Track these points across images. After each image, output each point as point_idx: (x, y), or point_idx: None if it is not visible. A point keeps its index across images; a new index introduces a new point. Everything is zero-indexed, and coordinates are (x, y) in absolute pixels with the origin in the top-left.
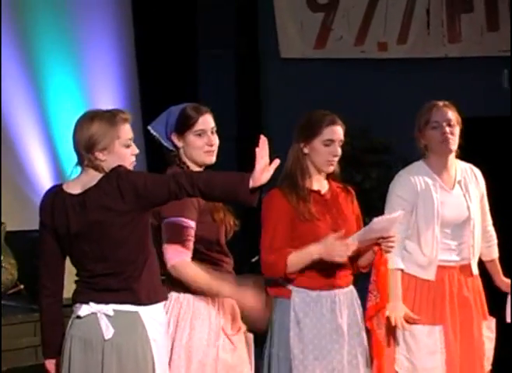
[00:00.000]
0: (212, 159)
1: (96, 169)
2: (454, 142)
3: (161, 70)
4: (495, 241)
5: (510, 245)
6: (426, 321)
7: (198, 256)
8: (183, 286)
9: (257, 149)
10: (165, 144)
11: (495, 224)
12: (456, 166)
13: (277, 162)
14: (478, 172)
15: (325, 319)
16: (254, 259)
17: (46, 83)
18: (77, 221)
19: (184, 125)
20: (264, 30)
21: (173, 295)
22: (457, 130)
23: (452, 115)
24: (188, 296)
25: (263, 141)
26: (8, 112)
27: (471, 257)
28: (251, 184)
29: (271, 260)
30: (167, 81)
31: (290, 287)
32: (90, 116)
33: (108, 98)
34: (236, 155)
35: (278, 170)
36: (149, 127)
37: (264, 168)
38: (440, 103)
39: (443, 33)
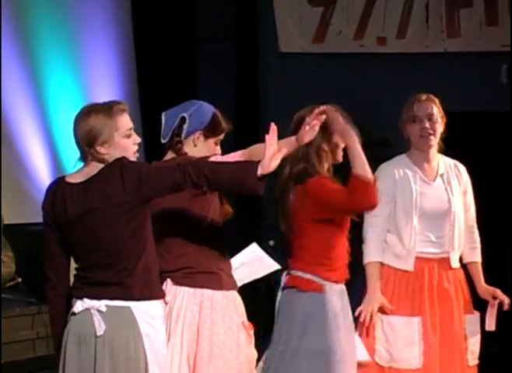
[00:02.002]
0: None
1: (101, 162)
2: (434, 138)
3: (160, 64)
4: (479, 244)
5: (496, 249)
6: (404, 312)
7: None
8: (198, 281)
9: (266, 136)
10: (183, 133)
11: (484, 222)
12: (439, 160)
13: (284, 151)
14: (463, 168)
15: (349, 312)
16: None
17: (45, 79)
18: (75, 208)
19: (215, 131)
20: (263, 24)
21: (185, 289)
22: (438, 125)
23: (434, 110)
24: (206, 291)
25: (273, 128)
26: (8, 107)
27: (451, 250)
28: (260, 171)
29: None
30: (166, 75)
31: (322, 281)
32: (87, 111)
33: (107, 93)
34: (234, 148)
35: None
36: (185, 115)
37: (273, 155)
38: (423, 97)
39: (442, 28)
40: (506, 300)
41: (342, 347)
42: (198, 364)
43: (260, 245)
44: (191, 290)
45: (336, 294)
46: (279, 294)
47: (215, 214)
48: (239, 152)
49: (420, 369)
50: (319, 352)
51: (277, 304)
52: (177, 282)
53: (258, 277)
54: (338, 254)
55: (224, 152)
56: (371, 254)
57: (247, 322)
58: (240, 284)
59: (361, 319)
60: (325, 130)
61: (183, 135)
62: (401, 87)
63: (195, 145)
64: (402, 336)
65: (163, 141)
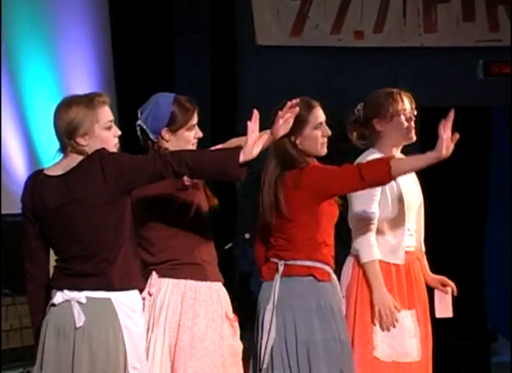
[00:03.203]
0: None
1: (81, 153)
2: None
3: (136, 56)
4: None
5: (439, 239)
6: (402, 306)
7: None
8: (182, 272)
9: (248, 123)
10: (151, 136)
11: (459, 216)
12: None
13: (265, 137)
14: None
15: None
16: (227, 246)
17: (21, 71)
18: (55, 200)
19: (177, 123)
20: (240, 17)
21: (169, 281)
22: None
23: (413, 104)
24: (190, 282)
25: (255, 115)
26: None
27: (422, 241)
28: (242, 158)
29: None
30: (143, 68)
31: (329, 269)
32: (67, 103)
33: (83, 85)
34: (210, 142)
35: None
36: (140, 123)
37: (255, 142)
38: (403, 91)
39: (419, 23)
40: (454, 287)
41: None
42: (178, 355)
43: (235, 238)
44: (175, 281)
45: (337, 282)
46: (277, 283)
47: (199, 208)
48: (216, 147)
49: (418, 362)
50: (342, 341)
51: (275, 293)
52: (161, 274)
53: None
54: (331, 241)
55: (202, 146)
56: (374, 252)
57: (231, 314)
58: None
59: (384, 318)
60: (298, 122)
61: (152, 137)
62: (378, 81)
63: (167, 141)
64: (406, 329)
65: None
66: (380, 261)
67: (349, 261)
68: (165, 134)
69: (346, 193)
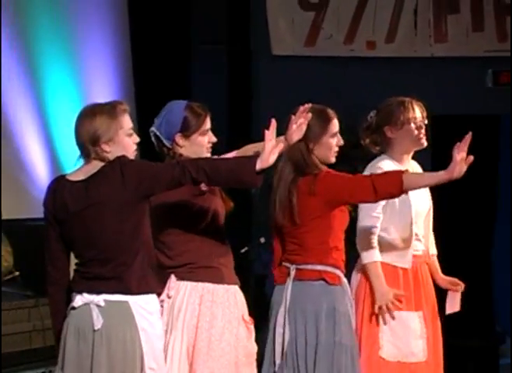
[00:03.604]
0: (209, 155)
1: (103, 159)
2: None
3: (156, 65)
4: (433, 237)
5: (449, 242)
6: (408, 307)
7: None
8: (199, 275)
9: (266, 132)
10: (166, 143)
11: (468, 222)
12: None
13: (281, 145)
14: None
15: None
16: (243, 250)
17: (44, 78)
18: (76, 204)
19: (191, 128)
20: (256, 27)
21: (188, 284)
22: None
23: (424, 113)
24: (207, 285)
25: (273, 124)
26: (8, 106)
27: (430, 246)
28: (259, 165)
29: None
30: (161, 76)
31: (340, 273)
32: (92, 111)
33: (104, 93)
34: (226, 149)
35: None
36: (153, 129)
37: (272, 150)
38: (414, 100)
39: (430, 33)
40: (463, 286)
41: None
42: (196, 356)
43: (251, 242)
44: (193, 284)
45: (348, 286)
46: (289, 287)
47: (215, 213)
48: (232, 153)
49: (423, 362)
50: (350, 345)
51: (288, 296)
52: (180, 277)
53: None
54: (342, 246)
55: (217, 152)
56: (375, 254)
57: (247, 317)
58: None
59: (385, 310)
60: (309, 131)
61: (167, 144)
62: (389, 90)
63: (181, 146)
64: (412, 330)
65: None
66: (387, 264)
67: (359, 265)
68: (179, 139)
69: (358, 202)
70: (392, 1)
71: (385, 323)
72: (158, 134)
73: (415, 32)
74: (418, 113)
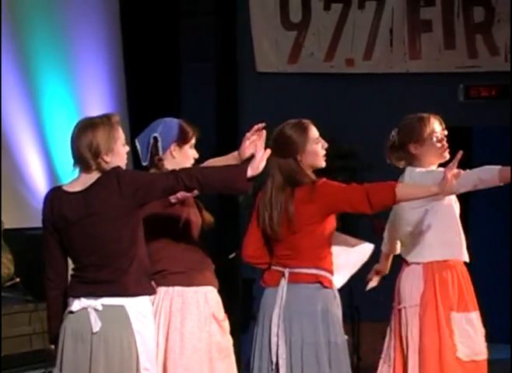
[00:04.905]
0: None
1: (102, 170)
2: None
3: (147, 81)
4: None
5: None
6: (473, 308)
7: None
8: (170, 280)
9: (256, 142)
10: (160, 151)
11: None
12: None
13: (268, 151)
14: None
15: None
16: (231, 256)
17: (41, 91)
18: (75, 214)
19: (186, 138)
20: (241, 46)
21: (162, 289)
22: None
23: (443, 125)
24: (177, 289)
25: (262, 133)
26: (6, 118)
27: None
28: (250, 173)
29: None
30: (153, 92)
31: (330, 276)
32: (91, 124)
33: (98, 105)
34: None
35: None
36: (155, 134)
37: (262, 158)
38: (431, 115)
39: (405, 51)
40: None
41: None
42: (168, 355)
43: (238, 247)
44: (165, 289)
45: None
46: (284, 289)
47: (187, 222)
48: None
49: (486, 359)
50: (344, 345)
51: (282, 298)
52: (156, 284)
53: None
54: (331, 249)
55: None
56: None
57: (220, 315)
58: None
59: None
60: (291, 146)
61: (160, 152)
62: (367, 104)
63: (174, 157)
64: (479, 329)
65: (144, 164)
66: (449, 260)
67: (413, 269)
68: (174, 148)
69: (353, 211)
70: (369, 21)
71: (457, 325)
72: (159, 139)
73: (390, 49)
74: (437, 126)
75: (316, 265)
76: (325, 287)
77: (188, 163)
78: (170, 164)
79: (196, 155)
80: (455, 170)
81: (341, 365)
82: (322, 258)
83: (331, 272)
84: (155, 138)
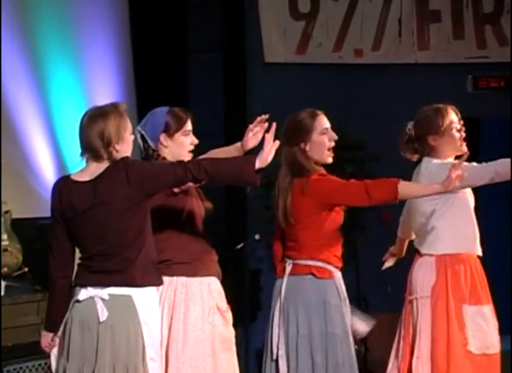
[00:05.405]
0: (191, 157)
1: (113, 159)
2: None
3: (155, 72)
4: None
5: None
6: (486, 301)
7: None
8: (174, 270)
9: (266, 134)
10: (151, 144)
11: None
12: None
13: (277, 143)
14: None
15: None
16: (238, 246)
17: (49, 80)
18: (83, 204)
19: (174, 126)
20: (250, 37)
21: (166, 279)
22: None
23: (459, 115)
24: (181, 279)
25: (272, 126)
26: (14, 107)
27: None
28: (258, 165)
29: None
30: (161, 82)
31: (332, 268)
32: (102, 113)
33: (106, 94)
34: None
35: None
36: (139, 128)
37: (270, 150)
38: (448, 105)
39: (414, 41)
40: None
41: (349, 330)
42: (171, 345)
43: (246, 238)
44: (169, 279)
45: (341, 280)
46: (284, 281)
47: (190, 212)
48: (203, 156)
49: (498, 352)
50: (343, 335)
51: (282, 290)
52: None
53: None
54: (338, 242)
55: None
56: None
57: (223, 305)
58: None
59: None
60: (299, 131)
61: (152, 145)
62: (375, 95)
63: (166, 146)
64: (493, 322)
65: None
66: (462, 254)
67: (426, 261)
68: (164, 139)
69: (350, 205)
70: (378, 11)
71: (469, 318)
72: (143, 133)
73: (399, 40)
74: (454, 116)
75: (312, 256)
76: (319, 278)
77: (185, 151)
78: (164, 154)
79: (195, 141)
80: (460, 171)
81: (337, 355)
82: (321, 249)
83: (333, 263)
84: (140, 133)
